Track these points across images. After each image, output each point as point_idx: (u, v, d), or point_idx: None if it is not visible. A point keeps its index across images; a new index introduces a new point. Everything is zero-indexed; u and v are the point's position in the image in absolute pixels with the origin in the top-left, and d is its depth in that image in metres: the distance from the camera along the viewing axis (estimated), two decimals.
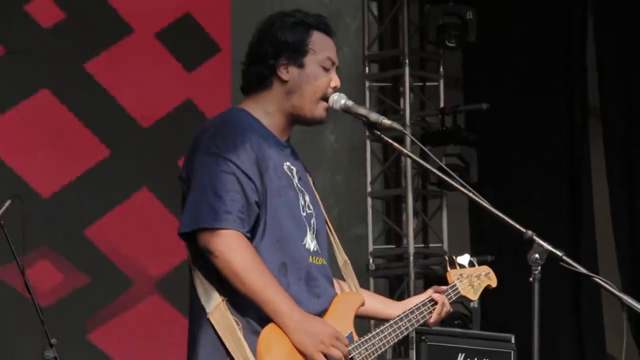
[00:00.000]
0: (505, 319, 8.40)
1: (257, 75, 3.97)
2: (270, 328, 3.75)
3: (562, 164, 9.10)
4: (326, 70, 4.00)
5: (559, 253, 3.76)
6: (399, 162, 9.32)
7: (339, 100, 4.01)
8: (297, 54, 3.95)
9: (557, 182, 9.05)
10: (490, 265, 8.68)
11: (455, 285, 4.21)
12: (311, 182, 4.09)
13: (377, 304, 4.14)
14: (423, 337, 6.71)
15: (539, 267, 3.75)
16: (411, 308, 4.06)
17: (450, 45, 9.06)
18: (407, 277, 8.95)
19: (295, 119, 4.00)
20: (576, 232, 8.96)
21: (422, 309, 4.08)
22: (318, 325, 3.78)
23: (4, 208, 6.54)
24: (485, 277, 4.30)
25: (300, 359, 3.74)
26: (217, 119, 3.96)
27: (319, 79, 3.97)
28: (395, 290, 9.14)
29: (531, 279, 3.75)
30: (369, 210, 9.32)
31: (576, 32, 8.98)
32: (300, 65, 3.95)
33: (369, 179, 9.35)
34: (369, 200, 9.35)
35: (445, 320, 8.61)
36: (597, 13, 8.94)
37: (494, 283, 4.31)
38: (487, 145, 9.19)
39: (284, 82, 3.95)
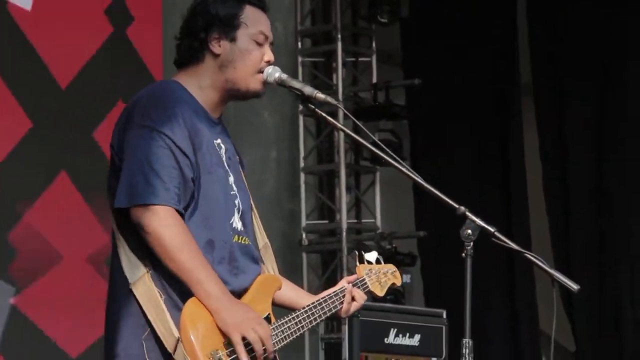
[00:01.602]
0: (444, 295, 8.43)
1: (189, 49, 3.94)
2: (192, 302, 3.73)
3: (495, 140, 9.13)
4: (259, 44, 3.98)
5: (491, 229, 3.78)
6: (332, 137, 9.32)
7: (273, 73, 3.99)
8: (228, 27, 3.92)
9: (491, 158, 9.08)
10: (429, 240, 8.84)
11: (364, 279, 4.22)
12: (239, 163, 4.06)
13: (291, 292, 4.13)
14: (356, 313, 6.71)
15: (472, 243, 3.77)
16: (324, 297, 4.05)
17: (383, 20, 9.07)
18: (340, 252, 8.96)
19: (230, 94, 3.97)
20: (509, 208, 9.00)
21: (334, 298, 4.07)
22: (242, 309, 3.77)
23: None
24: (391, 275, 4.34)
25: (220, 337, 3.73)
26: (150, 90, 3.92)
27: (252, 53, 3.94)
28: (328, 265, 9.16)
29: (463, 254, 3.75)
30: (302, 185, 9.32)
31: (508, 10, 8.98)
32: (232, 39, 3.92)
33: (301, 154, 9.34)
34: (302, 175, 9.34)
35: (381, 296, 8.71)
36: None
37: (398, 282, 4.36)
38: (423, 121, 9.22)
39: (216, 55, 3.92)
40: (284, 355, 8.06)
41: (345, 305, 4.09)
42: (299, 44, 9.41)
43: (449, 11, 9.07)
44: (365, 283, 4.21)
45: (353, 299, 4.10)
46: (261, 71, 3.96)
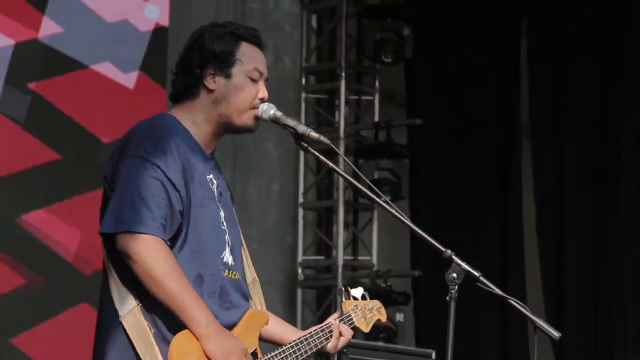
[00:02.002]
0: (435, 335, 8.42)
1: (184, 84, 3.95)
2: (182, 335, 3.72)
3: (494, 181, 9.13)
4: (254, 81, 3.98)
5: (476, 273, 3.77)
6: (331, 173, 9.32)
7: (268, 110, 3.99)
8: (224, 64, 3.93)
9: (489, 199, 9.08)
10: (423, 280, 8.81)
11: (350, 315, 4.22)
12: (230, 198, 4.07)
13: (278, 327, 4.13)
14: (345, 350, 6.70)
15: (456, 287, 3.75)
16: (310, 332, 4.05)
17: (387, 60, 9.08)
18: (335, 289, 8.94)
19: (223, 128, 3.97)
20: (505, 251, 8.99)
21: (320, 334, 4.07)
22: (231, 339, 3.77)
23: None
24: (376, 312, 4.34)
25: None
26: (147, 122, 3.92)
27: (245, 89, 3.95)
28: (323, 301, 9.15)
29: (448, 297, 3.75)
30: (300, 220, 9.32)
31: (510, 55, 9.02)
32: (227, 76, 3.93)
33: (300, 189, 9.35)
34: (301, 210, 9.35)
35: (372, 332, 8.68)
36: (530, 36, 8.99)
37: (383, 318, 4.36)
38: (423, 161, 9.22)
39: (210, 91, 3.92)
40: None
41: (333, 341, 4.09)
42: (303, 80, 9.44)
43: (453, 54, 9.10)
44: (351, 319, 4.21)
45: (340, 334, 4.12)
46: (255, 107, 3.96)
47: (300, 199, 9.36)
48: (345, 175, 4.18)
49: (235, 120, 3.95)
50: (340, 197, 9.12)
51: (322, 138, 4.01)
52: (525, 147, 9.05)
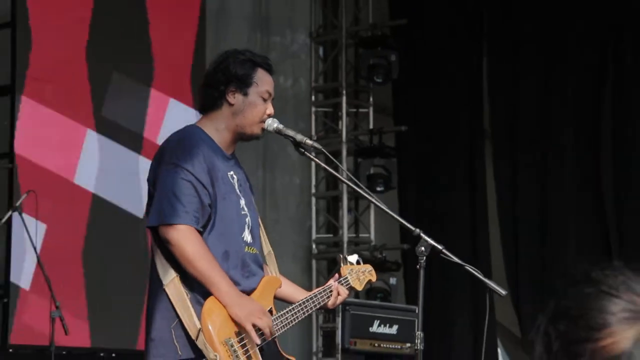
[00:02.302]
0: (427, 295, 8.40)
1: (210, 97, 3.97)
2: (211, 300, 3.76)
3: (464, 173, 9.10)
4: (264, 100, 4.01)
5: (439, 246, 3.78)
6: (337, 169, 9.29)
7: (272, 124, 4.02)
8: (243, 84, 3.96)
9: (461, 189, 9.06)
10: (410, 252, 8.79)
11: (347, 277, 4.22)
12: (249, 188, 4.09)
13: (289, 289, 4.15)
14: (347, 307, 6.70)
15: (425, 257, 3.76)
16: (314, 293, 4.06)
17: (378, 80, 9.08)
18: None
19: (238, 136, 4.00)
20: (474, 230, 8.97)
21: (322, 294, 4.08)
22: (250, 302, 3.80)
23: (21, 200, 6.53)
24: (368, 273, 4.33)
25: (233, 325, 3.75)
26: (178, 134, 3.96)
27: (258, 107, 3.98)
28: (332, 269, 9.14)
29: (417, 266, 3.76)
30: (313, 207, 9.33)
31: (474, 74, 9.01)
32: (245, 94, 3.96)
33: (313, 182, 9.36)
34: (314, 199, 9.36)
35: (370, 293, 8.69)
36: (490, 58, 8.98)
37: (374, 278, 4.34)
38: (408, 159, 9.22)
39: (231, 105, 3.95)
40: (291, 340, 8.12)
41: (332, 299, 4.10)
42: (313, 97, 9.44)
43: (430, 74, 9.10)
44: (348, 280, 4.21)
45: (338, 294, 4.12)
46: (263, 121, 3.99)
47: (313, 190, 9.36)
48: (335, 173, 4.20)
49: (247, 130, 3.98)
50: (344, 187, 9.12)
51: (315, 144, 4.04)
52: (488, 148, 9.04)
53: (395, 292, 8.94)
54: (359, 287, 4.28)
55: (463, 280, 8.47)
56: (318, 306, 4.09)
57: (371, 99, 9.48)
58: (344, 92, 9.26)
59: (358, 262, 4.32)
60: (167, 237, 3.74)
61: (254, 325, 3.74)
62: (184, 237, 3.72)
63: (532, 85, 8.67)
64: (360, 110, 9.54)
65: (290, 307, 3.98)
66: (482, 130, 9.01)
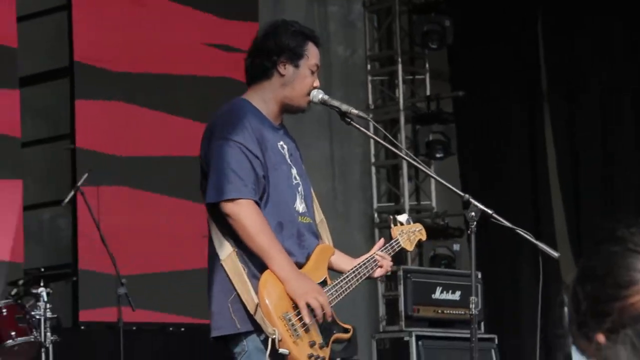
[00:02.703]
0: (481, 260, 8.38)
1: (260, 67, 3.95)
2: (267, 274, 3.76)
3: (523, 137, 9.05)
4: (312, 72, 4.00)
5: (489, 211, 3.77)
6: (395, 138, 9.33)
7: (318, 95, 3.99)
8: (295, 56, 3.94)
9: (519, 150, 9.02)
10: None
11: (397, 239, 4.21)
12: (299, 157, 4.10)
13: (338, 259, 4.11)
14: (408, 275, 6.74)
15: (475, 222, 3.75)
16: (360, 263, 4.04)
17: (433, 46, 9.04)
18: None
19: (284, 107, 3.99)
20: (534, 192, 8.92)
21: (368, 265, 4.06)
22: (307, 281, 3.80)
23: (82, 179, 6.65)
24: (418, 233, 4.29)
25: (288, 300, 3.77)
26: (225, 109, 3.95)
27: (307, 79, 3.96)
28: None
29: (469, 231, 3.76)
30: (373, 176, 9.36)
31: (529, 34, 8.93)
32: (296, 66, 3.94)
33: (372, 151, 9.38)
34: (373, 168, 9.39)
35: (434, 260, 8.70)
36: (546, 16, 8.89)
37: (424, 237, 4.29)
38: (466, 124, 9.19)
39: (282, 75, 3.93)
40: (354, 309, 8.13)
41: (378, 271, 4.07)
42: (368, 66, 9.44)
43: (486, 37, 9.04)
44: (399, 242, 4.20)
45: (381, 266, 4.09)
46: (309, 94, 4.00)
47: (373, 159, 9.38)
48: (378, 140, 4.20)
49: (294, 102, 3.97)
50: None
51: (361, 113, 4.02)
52: (546, 110, 8.97)
53: (459, 258, 8.94)
54: (410, 248, 4.27)
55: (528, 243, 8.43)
56: (369, 274, 4.09)
57: (427, 65, 9.45)
58: (400, 59, 9.24)
59: (408, 222, 4.28)
60: (228, 212, 3.75)
61: (307, 305, 3.75)
62: (245, 212, 3.73)
63: (587, 45, 8.57)
64: (417, 77, 9.51)
65: (345, 276, 3.98)
66: (541, 92, 8.94)
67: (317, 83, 3.99)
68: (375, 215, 9.31)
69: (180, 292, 7.51)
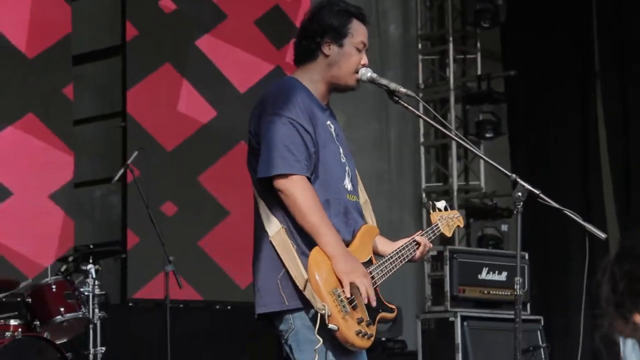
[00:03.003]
0: (530, 241, 8.35)
1: (306, 49, 3.94)
2: (316, 251, 3.75)
3: (576, 118, 8.98)
4: (359, 50, 3.96)
5: (536, 191, 3.73)
6: (445, 117, 9.29)
7: (366, 73, 3.96)
8: (339, 35, 3.90)
9: (570, 132, 8.95)
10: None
11: (437, 224, 4.20)
12: (344, 139, 4.09)
13: (378, 241, 4.09)
14: (454, 255, 6.71)
15: (522, 202, 3.72)
16: (401, 246, 4.03)
17: (485, 25, 8.98)
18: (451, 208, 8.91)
19: (333, 87, 3.96)
20: (585, 174, 8.85)
21: (409, 247, 4.05)
22: (354, 261, 3.78)
23: (132, 157, 6.71)
24: (456, 219, 4.29)
25: (335, 278, 3.75)
26: (276, 86, 3.93)
27: (353, 57, 3.92)
28: None
29: (515, 211, 3.73)
30: (422, 156, 9.34)
31: (583, 15, 8.85)
32: (340, 45, 3.91)
33: (421, 131, 9.35)
34: (422, 148, 9.36)
35: (482, 240, 8.67)
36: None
37: (462, 224, 4.30)
38: (518, 104, 9.12)
39: (326, 56, 3.91)
40: (401, 289, 8.11)
41: (418, 254, 4.05)
42: (419, 45, 9.40)
43: (538, 15, 8.97)
44: (439, 227, 4.19)
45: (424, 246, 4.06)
46: (357, 71, 3.96)
47: (422, 139, 9.35)
48: (426, 119, 4.16)
49: (342, 81, 3.94)
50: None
51: (410, 92, 3.97)
52: (599, 90, 8.88)
53: (507, 239, 8.90)
54: (449, 234, 4.25)
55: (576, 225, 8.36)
56: (407, 259, 4.07)
57: (478, 45, 9.39)
58: (451, 38, 9.19)
59: (446, 209, 4.28)
60: (280, 188, 3.73)
61: (352, 284, 3.73)
62: (298, 187, 3.71)
63: None
64: (468, 56, 9.46)
65: (389, 256, 3.97)
66: (594, 72, 8.86)
67: (365, 60, 3.96)
68: (424, 195, 9.29)
69: (224, 271, 7.56)
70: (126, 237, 7.40)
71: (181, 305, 7.23)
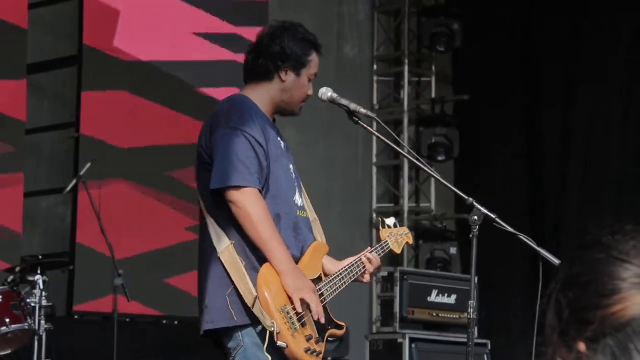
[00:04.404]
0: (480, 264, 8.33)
1: (264, 68, 3.93)
2: (266, 267, 3.73)
3: (522, 141, 9.01)
4: (310, 81, 4.00)
5: (492, 216, 3.71)
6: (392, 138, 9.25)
7: (327, 93, 3.98)
8: (299, 64, 3.94)
9: (518, 156, 8.98)
10: (466, 222, 8.75)
11: (387, 241, 4.21)
12: (292, 156, 4.09)
13: (326, 260, 4.09)
14: (405, 277, 6.70)
15: (477, 226, 3.70)
16: (348, 265, 4.02)
17: (440, 49, 9.01)
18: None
19: (279, 110, 4.00)
20: (533, 203, 8.88)
21: (358, 264, 4.04)
22: (303, 278, 3.77)
23: (85, 169, 6.61)
24: (405, 236, 4.31)
25: (285, 295, 3.73)
26: (228, 102, 3.93)
27: (305, 87, 3.98)
28: None
29: (471, 235, 3.71)
30: (374, 176, 9.32)
31: (529, 48, 8.92)
32: (298, 74, 3.95)
33: (374, 152, 9.34)
34: (374, 168, 9.35)
35: (430, 263, 8.65)
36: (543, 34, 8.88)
37: (411, 241, 4.33)
38: (468, 127, 9.15)
39: (282, 81, 3.93)
40: (349, 308, 8.08)
41: (366, 276, 4.06)
42: (375, 66, 9.40)
43: (491, 42, 9.02)
44: (388, 244, 4.20)
45: (371, 262, 4.06)
46: (304, 101, 4.00)
47: (374, 160, 9.33)
48: (384, 139, 4.16)
49: (290, 107, 3.99)
50: (405, 158, 9.07)
51: (370, 113, 3.99)
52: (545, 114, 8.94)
53: (455, 262, 8.90)
54: (398, 250, 4.27)
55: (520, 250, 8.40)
56: (353, 278, 4.05)
57: (433, 68, 9.41)
58: (406, 61, 9.20)
59: (395, 225, 4.29)
60: (233, 200, 3.71)
61: (302, 300, 3.72)
62: (250, 200, 3.70)
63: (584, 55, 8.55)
64: (423, 79, 9.48)
65: (338, 273, 3.96)
66: (540, 96, 8.89)
67: (311, 92, 4.00)
68: (374, 215, 9.26)
69: (174, 285, 7.48)
70: (74, 249, 7.28)
71: (128, 320, 7.13)
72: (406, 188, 9.12)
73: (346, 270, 3.99)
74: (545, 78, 8.84)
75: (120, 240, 6.83)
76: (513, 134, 8.96)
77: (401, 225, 4.39)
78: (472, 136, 9.08)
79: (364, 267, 4.06)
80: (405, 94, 9.18)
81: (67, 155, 7.52)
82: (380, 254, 4.12)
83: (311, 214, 4.10)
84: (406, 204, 9.08)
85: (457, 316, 6.81)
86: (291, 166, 3.98)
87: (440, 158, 8.88)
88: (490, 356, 7.01)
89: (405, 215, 8.99)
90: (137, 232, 7.44)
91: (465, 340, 6.44)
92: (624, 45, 8.45)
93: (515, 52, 8.91)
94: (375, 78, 9.34)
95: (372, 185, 9.28)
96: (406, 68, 9.19)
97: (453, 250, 8.73)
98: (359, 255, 4.08)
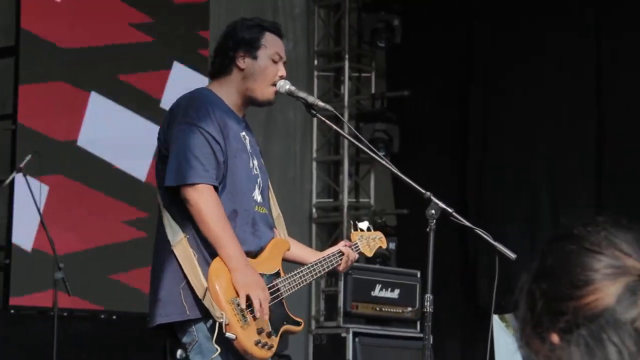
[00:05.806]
0: (417, 259, 8.37)
1: (221, 64, 3.95)
2: (218, 261, 3.74)
3: (456, 136, 9.05)
4: (275, 62, 3.98)
5: (449, 210, 3.76)
6: (338, 134, 9.26)
7: (284, 85, 3.99)
8: (252, 47, 3.93)
9: (454, 151, 9.04)
10: (407, 217, 8.78)
11: (357, 243, 4.24)
12: (259, 151, 4.07)
13: (299, 251, 4.15)
14: (349, 272, 6.70)
15: (434, 220, 3.73)
16: (324, 256, 4.06)
17: (381, 45, 9.02)
18: (341, 225, 8.94)
19: (249, 100, 3.98)
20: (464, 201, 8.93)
21: (333, 257, 4.08)
22: (253, 274, 3.77)
23: (25, 161, 6.49)
24: (378, 240, 4.36)
25: (233, 290, 3.73)
26: (188, 95, 3.92)
27: (268, 69, 3.96)
28: (332, 234, 9.13)
29: (428, 229, 3.74)
30: (314, 171, 9.31)
31: (466, 40, 8.98)
32: (254, 57, 3.94)
33: (314, 147, 9.32)
34: (314, 163, 9.34)
35: (370, 258, 8.66)
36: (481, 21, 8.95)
37: (384, 245, 4.39)
38: (408, 122, 9.17)
39: (240, 69, 3.93)
40: (295, 303, 8.05)
41: (343, 264, 4.12)
42: (315, 61, 9.39)
43: (430, 39, 9.06)
44: (358, 246, 4.23)
45: (349, 258, 4.12)
46: (274, 84, 3.96)
47: (314, 155, 9.33)
48: (346, 136, 4.18)
49: (258, 94, 3.96)
50: (345, 152, 9.09)
51: (328, 106, 4.01)
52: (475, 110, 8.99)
53: (394, 256, 8.93)
54: (369, 254, 4.30)
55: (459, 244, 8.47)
56: (328, 269, 4.09)
57: (374, 64, 9.43)
58: (347, 56, 9.20)
59: (368, 229, 4.33)
60: (187, 197, 3.72)
61: (248, 297, 3.71)
62: (203, 198, 3.70)
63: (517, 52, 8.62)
64: (363, 74, 9.49)
65: (299, 270, 3.98)
66: (469, 94, 8.94)
67: (282, 72, 3.97)
68: (314, 210, 9.26)
69: (114, 280, 7.39)
70: (11, 243, 7.15)
71: (65, 314, 7.02)
72: (346, 183, 9.13)
73: (309, 268, 4.00)
74: (481, 72, 8.89)
75: (59, 236, 6.72)
76: (451, 130, 9.00)
77: (365, 227, 4.39)
78: (411, 131, 9.10)
79: (340, 258, 4.05)
80: (345, 89, 9.19)
81: (4, 148, 7.38)
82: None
83: (275, 210, 4.12)
84: (345, 199, 9.09)
85: (400, 310, 6.83)
86: (255, 162, 3.96)
87: (380, 153, 8.88)
88: (432, 352, 7.04)
89: (345, 210, 9.00)
90: (76, 229, 7.33)
91: (408, 334, 6.46)
92: (565, 42, 8.53)
93: (454, 47, 8.95)
94: (315, 73, 9.33)
95: (311, 180, 9.27)
96: (346, 63, 9.20)
97: (392, 246, 8.75)
98: (336, 247, 4.13)
